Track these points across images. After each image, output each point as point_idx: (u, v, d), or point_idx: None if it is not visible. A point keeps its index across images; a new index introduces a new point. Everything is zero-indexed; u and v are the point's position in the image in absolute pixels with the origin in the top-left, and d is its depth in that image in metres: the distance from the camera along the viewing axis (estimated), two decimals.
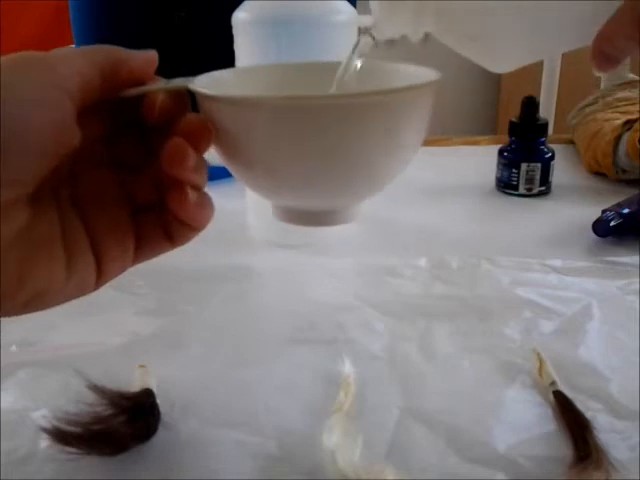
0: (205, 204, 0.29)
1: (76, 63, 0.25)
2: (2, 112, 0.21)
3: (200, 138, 0.27)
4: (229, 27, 0.50)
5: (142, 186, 0.29)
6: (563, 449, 0.32)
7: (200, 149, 0.27)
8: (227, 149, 0.29)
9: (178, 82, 0.28)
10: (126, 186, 0.29)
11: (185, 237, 0.29)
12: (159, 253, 0.30)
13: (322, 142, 0.26)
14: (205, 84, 0.28)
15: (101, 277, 0.28)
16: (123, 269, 0.29)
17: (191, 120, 0.27)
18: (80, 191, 0.27)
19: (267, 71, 0.35)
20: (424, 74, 0.30)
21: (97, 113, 0.27)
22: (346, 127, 0.26)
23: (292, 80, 0.34)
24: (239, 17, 0.49)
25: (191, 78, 0.28)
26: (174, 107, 0.27)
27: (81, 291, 0.27)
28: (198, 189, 0.28)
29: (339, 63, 0.32)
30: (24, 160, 0.23)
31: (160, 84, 0.27)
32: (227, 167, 0.30)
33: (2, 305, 0.24)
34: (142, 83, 0.27)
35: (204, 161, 0.28)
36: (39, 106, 0.23)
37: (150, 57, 0.27)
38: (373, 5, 0.31)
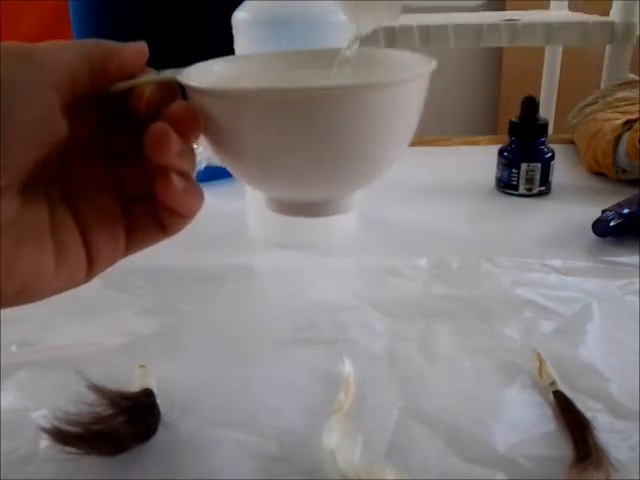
0: (193, 191, 0.28)
1: (63, 55, 0.24)
2: None
3: (185, 124, 0.27)
4: (229, 27, 0.50)
5: (133, 177, 0.29)
6: (563, 449, 0.32)
7: (185, 135, 0.27)
8: (217, 140, 0.29)
9: (167, 74, 0.27)
10: (117, 178, 0.29)
11: (176, 226, 0.29)
12: (151, 243, 0.30)
13: (310, 133, 0.26)
14: (193, 76, 0.28)
15: (92, 268, 0.28)
16: (114, 260, 0.29)
17: (176, 107, 0.27)
18: (70, 183, 0.27)
19: (258, 60, 0.35)
20: (418, 63, 0.30)
21: (88, 106, 0.27)
22: (334, 119, 0.26)
23: (283, 69, 0.33)
24: (239, 17, 0.49)
25: (181, 69, 0.28)
26: (163, 99, 0.27)
27: (72, 282, 0.27)
28: (185, 176, 0.28)
29: (336, 50, 0.32)
30: (8, 148, 0.23)
31: (150, 76, 0.27)
32: (218, 158, 0.30)
33: None
34: (133, 75, 0.27)
35: (191, 148, 0.28)
36: (23, 95, 0.23)
37: (140, 48, 0.27)
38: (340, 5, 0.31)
